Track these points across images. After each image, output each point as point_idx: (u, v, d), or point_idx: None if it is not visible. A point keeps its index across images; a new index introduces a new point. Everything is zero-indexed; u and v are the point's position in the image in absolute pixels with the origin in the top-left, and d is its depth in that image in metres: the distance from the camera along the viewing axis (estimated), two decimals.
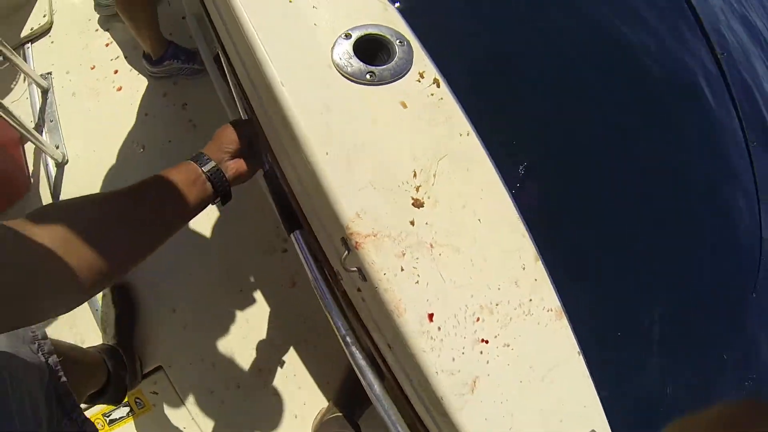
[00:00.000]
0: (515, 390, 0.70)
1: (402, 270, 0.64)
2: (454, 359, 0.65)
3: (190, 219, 0.66)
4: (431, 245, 0.67)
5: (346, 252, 0.65)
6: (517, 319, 0.72)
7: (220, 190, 0.70)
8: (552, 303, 0.76)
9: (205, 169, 0.68)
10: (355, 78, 0.72)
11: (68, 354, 0.79)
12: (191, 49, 1.46)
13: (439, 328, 0.64)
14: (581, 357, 0.77)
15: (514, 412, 0.69)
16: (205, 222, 1.37)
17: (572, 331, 0.77)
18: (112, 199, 0.57)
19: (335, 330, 0.71)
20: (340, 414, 1.11)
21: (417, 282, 0.64)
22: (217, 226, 1.37)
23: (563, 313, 0.77)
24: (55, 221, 0.47)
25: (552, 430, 0.72)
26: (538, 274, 0.75)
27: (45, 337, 0.73)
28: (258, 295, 1.32)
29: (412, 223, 0.67)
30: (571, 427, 0.73)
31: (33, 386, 0.65)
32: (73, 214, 0.51)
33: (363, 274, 0.64)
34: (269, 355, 1.29)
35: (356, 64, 0.73)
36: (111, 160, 1.39)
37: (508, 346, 0.70)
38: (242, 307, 1.32)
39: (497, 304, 0.70)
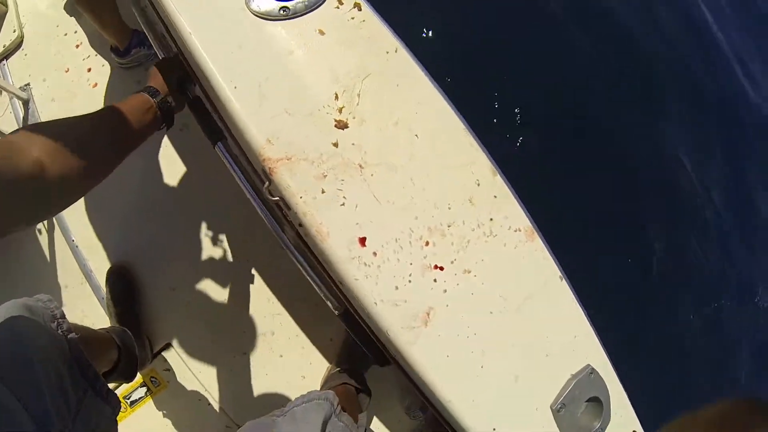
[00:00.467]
0: (484, 322, 0.60)
1: (323, 192, 0.57)
2: (397, 288, 0.56)
3: (144, 140, 0.76)
4: (360, 166, 0.60)
5: (267, 182, 0.59)
6: (477, 241, 0.62)
7: (167, 117, 0.81)
8: (520, 222, 0.66)
9: (156, 100, 0.79)
10: (268, 16, 0.69)
11: (81, 333, 0.82)
12: None
13: (375, 254, 0.56)
14: (565, 282, 0.65)
15: (485, 348, 0.58)
16: (192, 196, 1.38)
17: (551, 253, 0.66)
18: (80, 123, 0.64)
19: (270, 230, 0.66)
20: (345, 369, 1.09)
21: (343, 204, 0.57)
22: (204, 199, 1.37)
23: (536, 232, 0.66)
24: (36, 137, 0.54)
25: (537, 366, 0.60)
26: (497, 189, 0.66)
27: (63, 316, 0.77)
28: (253, 261, 1.30)
29: (336, 144, 0.60)
30: (561, 362, 0.61)
31: (56, 359, 0.68)
32: (51, 133, 0.57)
33: (286, 202, 0.58)
34: (271, 320, 1.27)
35: (268, 3, 0.70)
36: None
37: (469, 272, 0.61)
38: (239, 276, 1.30)
39: (449, 226, 0.61)
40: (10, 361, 0.60)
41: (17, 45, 1.62)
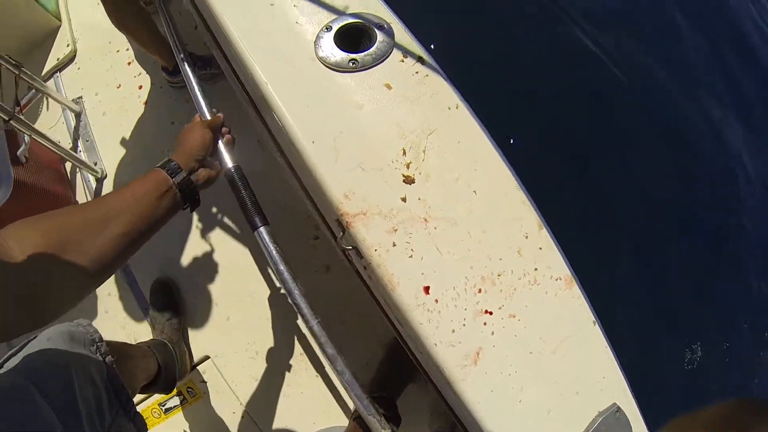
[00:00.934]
0: (524, 362, 0.68)
1: (394, 245, 0.65)
2: (454, 331, 0.65)
3: (159, 228, 0.67)
4: (425, 220, 0.68)
5: (342, 232, 0.67)
6: (523, 289, 0.70)
7: (189, 199, 0.72)
8: (561, 271, 0.73)
9: (177, 180, 0.69)
10: (338, 68, 0.74)
11: (121, 351, 0.88)
12: (206, 56, 1.47)
13: (437, 301, 0.64)
14: (597, 327, 0.73)
15: (524, 385, 0.67)
16: (237, 215, 1.42)
17: (586, 299, 0.74)
18: (78, 219, 0.57)
19: (301, 317, 0.74)
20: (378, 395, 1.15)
21: (411, 256, 0.65)
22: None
23: (574, 281, 0.74)
24: (27, 240, 0.50)
25: (568, 402, 0.69)
26: (543, 242, 0.73)
27: (101, 339, 0.83)
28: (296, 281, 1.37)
29: (404, 199, 0.68)
30: (590, 400, 0.70)
31: (96, 380, 0.75)
32: (43, 235, 0.53)
33: (359, 252, 0.66)
34: (310, 340, 1.31)
35: (338, 54, 0.75)
36: (145, 169, 1.46)
37: (514, 317, 0.69)
38: (280, 295, 1.37)
39: (499, 275, 0.69)
40: (53, 381, 0.65)
41: (70, 58, 1.69)
